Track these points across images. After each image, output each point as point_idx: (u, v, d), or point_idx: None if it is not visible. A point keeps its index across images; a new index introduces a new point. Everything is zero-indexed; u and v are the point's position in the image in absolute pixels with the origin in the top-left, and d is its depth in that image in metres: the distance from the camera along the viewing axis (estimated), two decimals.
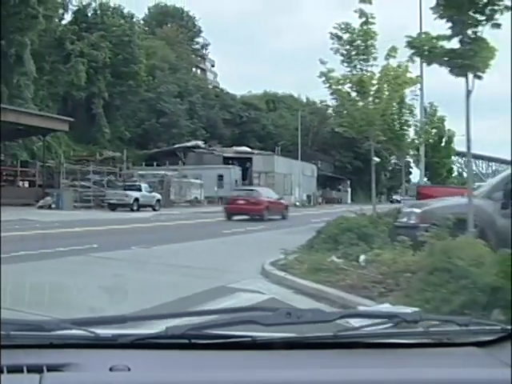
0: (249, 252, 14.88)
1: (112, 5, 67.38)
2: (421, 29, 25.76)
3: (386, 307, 5.93)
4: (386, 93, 16.44)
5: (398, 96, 17.29)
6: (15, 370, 1.59)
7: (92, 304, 6.83)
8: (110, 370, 1.62)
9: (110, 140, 61.47)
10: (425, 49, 9.32)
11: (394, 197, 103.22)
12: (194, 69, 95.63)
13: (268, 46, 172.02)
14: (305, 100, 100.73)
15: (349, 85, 16.49)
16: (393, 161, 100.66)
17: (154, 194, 42.19)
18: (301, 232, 22.26)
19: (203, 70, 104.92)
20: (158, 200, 42.03)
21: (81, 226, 21.82)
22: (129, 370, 1.63)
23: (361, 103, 16.44)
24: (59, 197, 38.31)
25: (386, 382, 1.67)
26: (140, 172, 50.62)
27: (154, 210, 40.02)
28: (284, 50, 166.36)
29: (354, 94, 16.60)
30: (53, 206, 37.66)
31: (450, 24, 8.92)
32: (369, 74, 16.36)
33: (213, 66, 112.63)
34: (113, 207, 38.80)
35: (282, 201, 35.32)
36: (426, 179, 40.34)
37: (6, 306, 5.15)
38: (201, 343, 1.84)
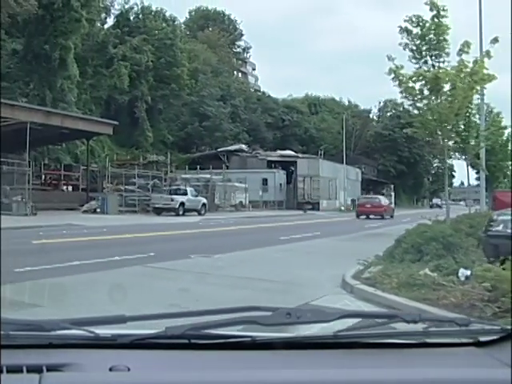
0: (317, 261, 13.88)
1: (154, 8, 67.68)
2: (480, 24, 24.57)
3: None
4: (461, 91, 15.25)
5: (472, 94, 16.11)
6: (15, 369, 1.56)
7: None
8: (110, 370, 1.60)
9: (152, 144, 61.23)
10: None
11: (434, 201, 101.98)
12: (235, 72, 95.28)
13: (309, 49, 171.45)
14: (347, 103, 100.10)
15: (420, 82, 15.38)
16: (435, 164, 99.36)
17: (199, 198, 41.47)
18: (360, 239, 21.28)
19: (244, 74, 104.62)
20: (204, 204, 41.23)
21: (131, 232, 21.03)
22: (128, 370, 1.61)
23: (434, 101, 15.31)
24: (104, 201, 37.78)
25: (386, 382, 1.64)
26: (183, 176, 50.02)
27: (200, 214, 39.37)
28: (325, 52, 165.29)
29: (426, 92, 15.47)
30: (98, 210, 37.17)
31: None
32: (442, 71, 15.24)
33: (254, 69, 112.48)
34: (158, 211, 38.21)
35: (391, 205, 46.83)
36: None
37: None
38: (200, 343, 1.82)
